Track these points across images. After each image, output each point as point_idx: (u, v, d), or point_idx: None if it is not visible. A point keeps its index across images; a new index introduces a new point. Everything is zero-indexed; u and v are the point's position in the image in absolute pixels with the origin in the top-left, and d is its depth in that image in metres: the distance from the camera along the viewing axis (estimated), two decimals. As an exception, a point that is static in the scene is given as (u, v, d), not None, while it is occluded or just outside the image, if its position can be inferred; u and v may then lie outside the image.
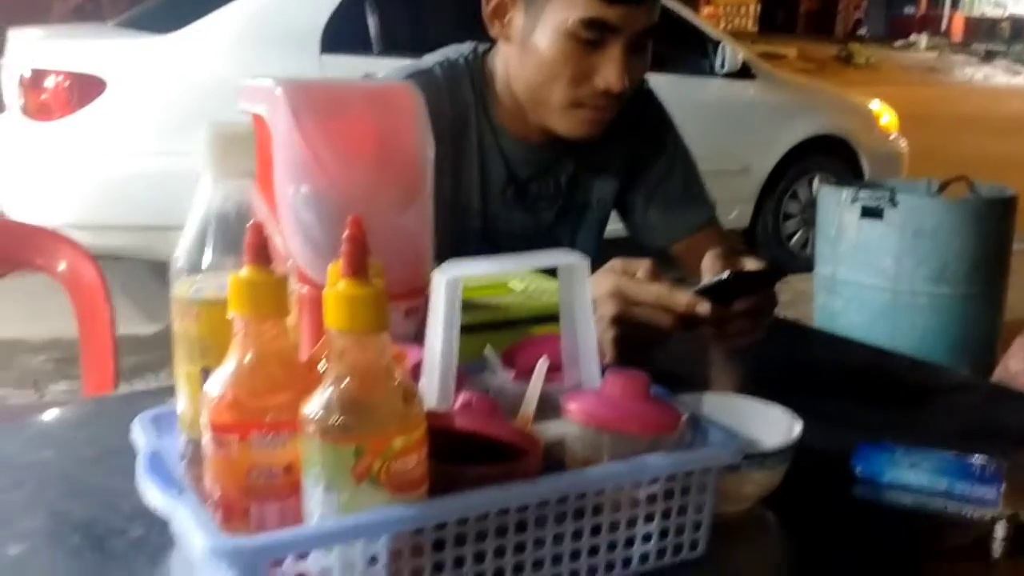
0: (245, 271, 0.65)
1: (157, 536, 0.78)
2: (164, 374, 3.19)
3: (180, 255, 0.72)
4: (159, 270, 4.35)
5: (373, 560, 0.63)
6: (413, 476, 0.64)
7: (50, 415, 1.06)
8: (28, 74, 3.67)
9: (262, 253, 0.66)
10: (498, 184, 1.41)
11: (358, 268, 0.63)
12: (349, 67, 3.77)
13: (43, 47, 3.95)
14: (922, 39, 24.46)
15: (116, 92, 3.65)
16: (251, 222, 0.66)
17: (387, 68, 1.42)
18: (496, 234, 1.42)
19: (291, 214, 0.85)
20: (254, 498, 0.65)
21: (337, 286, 0.63)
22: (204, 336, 0.71)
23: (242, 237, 0.68)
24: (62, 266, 1.46)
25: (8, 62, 4.04)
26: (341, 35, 3.96)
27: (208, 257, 0.71)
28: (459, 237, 1.37)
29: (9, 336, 3.79)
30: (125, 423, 0.91)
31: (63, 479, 0.88)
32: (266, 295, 0.65)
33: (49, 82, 3.63)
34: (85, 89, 3.62)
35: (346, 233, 0.64)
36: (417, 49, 1.42)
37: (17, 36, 4.15)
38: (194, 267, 0.71)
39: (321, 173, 0.84)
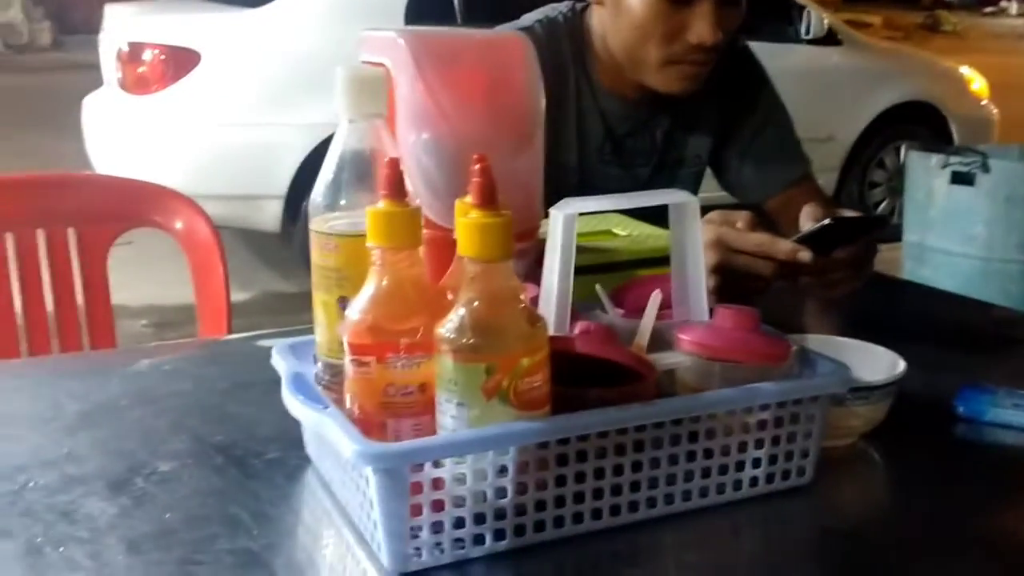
0: (382, 204, 0.70)
1: (292, 458, 0.84)
2: (258, 337, 3.28)
3: (318, 192, 0.76)
4: (251, 239, 4.44)
5: (502, 470, 0.68)
6: (538, 394, 0.68)
7: (180, 354, 1.13)
8: (126, 48, 3.80)
9: (398, 187, 0.70)
10: (595, 140, 1.44)
11: (489, 199, 0.67)
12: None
13: (139, 22, 4.08)
14: (1012, 5, 23.56)
15: (209, 65, 3.75)
16: (387, 158, 0.71)
17: None
18: (592, 190, 1.45)
19: (412, 159, 0.89)
20: (390, 414, 0.70)
21: (469, 216, 0.67)
22: (341, 267, 0.76)
23: (375, 175, 0.73)
24: (178, 223, 1.54)
25: (105, 37, 4.18)
26: (425, 6, 4.00)
27: (344, 194, 0.76)
28: (557, 192, 1.40)
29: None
30: (251, 360, 0.98)
31: (202, 408, 0.95)
32: (402, 226, 0.70)
33: (146, 55, 3.76)
34: (180, 62, 3.73)
35: (476, 168, 0.68)
36: (500, 19, 1.44)
37: (113, 12, 4.29)
38: (331, 203, 0.76)
39: (441, 120, 0.88)
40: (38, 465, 0.82)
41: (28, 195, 1.52)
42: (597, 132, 1.43)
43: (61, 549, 0.70)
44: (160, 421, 0.92)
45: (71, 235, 1.51)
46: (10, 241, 1.47)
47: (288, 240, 3.88)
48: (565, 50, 1.40)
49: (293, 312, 3.77)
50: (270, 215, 3.77)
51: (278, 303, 3.89)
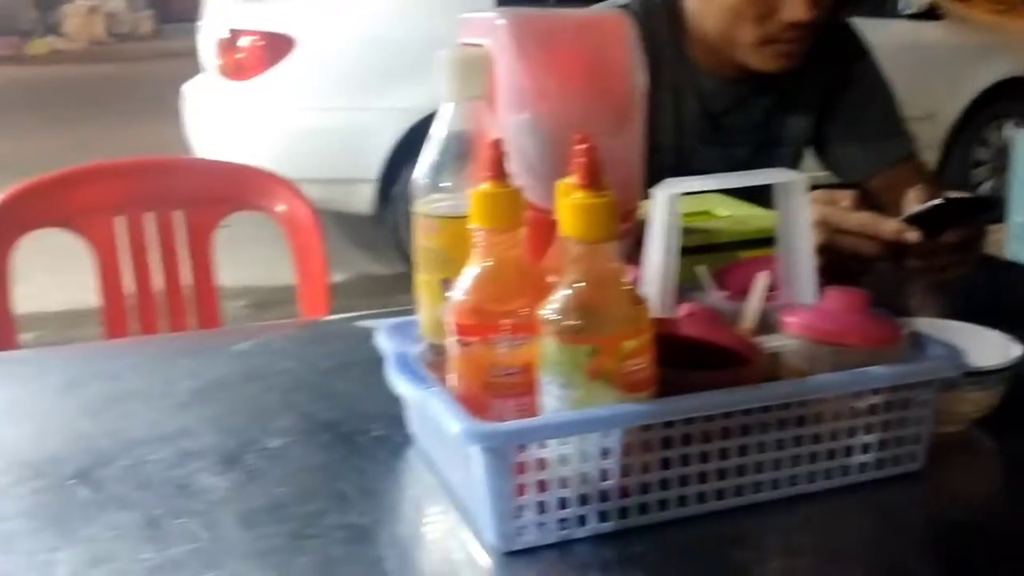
0: (485, 185, 0.70)
1: (396, 436, 0.85)
2: (352, 318, 3.33)
3: (421, 174, 0.77)
4: (342, 221, 4.51)
5: (606, 452, 0.67)
6: (642, 377, 0.68)
7: (284, 333, 1.16)
8: (226, 35, 3.88)
9: (500, 168, 0.70)
10: (692, 120, 1.42)
11: (593, 180, 0.67)
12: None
13: (239, 9, 4.16)
14: None
15: (304, 50, 3.81)
16: (489, 139, 0.71)
17: None
18: (690, 171, 1.42)
19: (511, 140, 0.90)
20: (494, 395, 0.70)
21: (573, 197, 0.67)
22: (444, 248, 0.76)
23: (477, 156, 0.73)
24: (280, 206, 1.57)
25: (205, 24, 4.29)
26: (518, -12, 3.99)
27: (447, 175, 0.76)
28: (653, 174, 1.39)
29: (209, 283, 4.06)
30: (353, 339, 0.99)
31: (308, 386, 0.97)
32: (504, 208, 0.70)
33: (243, 42, 3.83)
34: (276, 48, 3.80)
35: (580, 148, 0.67)
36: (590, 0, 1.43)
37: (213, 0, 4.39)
38: (434, 185, 0.77)
39: (541, 100, 0.88)
40: (154, 440, 0.85)
41: (138, 179, 1.57)
42: (694, 111, 1.41)
43: (178, 521, 0.72)
44: (268, 398, 0.94)
45: (179, 218, 1.56)
46: (121, 224, 1.52)
47: (381, 223, 3.93)
48: (662, 29, 1.38)
49: (386, 293, 3.82)
50: (363, 198, 3.82)
51: (371, 285, 3.95)
